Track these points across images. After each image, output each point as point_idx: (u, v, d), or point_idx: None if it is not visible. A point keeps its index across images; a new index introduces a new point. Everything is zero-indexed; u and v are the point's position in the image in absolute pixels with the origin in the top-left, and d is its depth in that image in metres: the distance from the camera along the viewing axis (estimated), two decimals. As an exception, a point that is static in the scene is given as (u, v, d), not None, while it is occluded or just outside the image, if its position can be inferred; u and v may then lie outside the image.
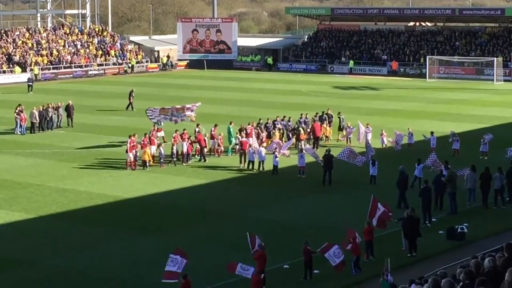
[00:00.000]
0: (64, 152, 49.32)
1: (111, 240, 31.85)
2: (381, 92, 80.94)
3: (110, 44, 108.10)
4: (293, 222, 33.93)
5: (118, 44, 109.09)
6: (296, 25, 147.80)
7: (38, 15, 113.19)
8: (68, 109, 59.16)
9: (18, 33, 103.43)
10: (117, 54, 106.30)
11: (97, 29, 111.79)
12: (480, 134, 49.73)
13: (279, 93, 79.87)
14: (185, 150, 45.52)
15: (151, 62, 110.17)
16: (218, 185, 41.11)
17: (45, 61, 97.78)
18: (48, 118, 57.43)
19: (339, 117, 54.25)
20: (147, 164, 44.44)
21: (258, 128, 49.48)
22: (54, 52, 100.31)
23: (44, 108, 57.47)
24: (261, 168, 43.91)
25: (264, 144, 47.44)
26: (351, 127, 51.56)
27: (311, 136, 50.77)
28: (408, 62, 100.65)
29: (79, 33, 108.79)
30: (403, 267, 27.71)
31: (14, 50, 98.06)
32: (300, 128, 50.15)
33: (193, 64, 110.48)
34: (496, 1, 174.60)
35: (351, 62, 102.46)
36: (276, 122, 51.17)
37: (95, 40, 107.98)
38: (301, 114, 53.18)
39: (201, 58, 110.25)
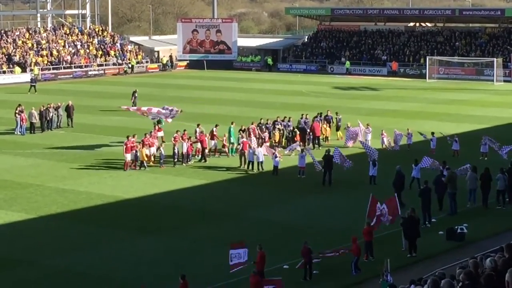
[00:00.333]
0: (64, 153, 49.33)
1: (111, 240, 31.86)
2: (381, 93, 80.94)
3: (110, 45, 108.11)
4: (293, 223, 33.94)
5: (118, 44, 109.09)
6: (296, 26, 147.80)
7: (38, 15, 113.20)
8: (68, 110, 59.17)
9: (18, 33, 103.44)
10: (117, 54, 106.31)
11: (97, 30, 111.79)
12: (480, 134, 49.75)
13: (279, 93, 79.86)
14: (185, 150, 45.52)
15: (151, 62, 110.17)
16: (218, 186, 41.12)
17: (45, 62, 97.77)
18: (48, 118, 57.45)
19: (336, 118, 54.33)
20: (144, 164, 44.43)
21: (258, 128, 49.48)
22: (54, 52, 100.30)
23: (45, 108, 57.47)
24: (260, 169, 43.91)
25: (267, 144, 47.57)
26: (351, 127, 51.42)
27: (311, 136, 50.78)
28: (408, 63, 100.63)
29: (79, 33, 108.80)
30: (403, 267, 27.72)
31: (14, 50, 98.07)
32: (296, 130, 50.14)
33: (193, 65, 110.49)
34: (496, 1, 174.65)
35: (348, 62, 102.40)
36: (276, 123, 51.17)
37: (95, 41, 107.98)
38: (302, 115, 53.19)
39: (201, 59, 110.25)
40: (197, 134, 47.29)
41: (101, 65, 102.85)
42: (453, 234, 31.27)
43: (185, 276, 24.01)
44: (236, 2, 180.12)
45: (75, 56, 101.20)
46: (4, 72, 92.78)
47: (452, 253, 29.43)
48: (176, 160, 45.38)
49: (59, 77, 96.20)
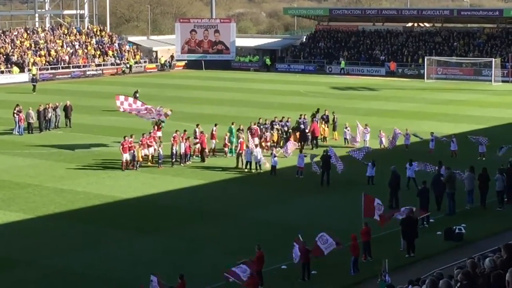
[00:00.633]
0: (62, 153, 49.31)
1: (109, 240, 31.85)
2: (379, 93, 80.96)
3: (108, 45, 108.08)
4: (291, 223, 33.92)
5: (116, 44, 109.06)
6: (294, 26, 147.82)
7: (36, 15, 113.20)
8: (66, 110, 59.16)
9: (16, 33, 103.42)
10: (115, 54, 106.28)
11: (95, 30, 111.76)
12: (478, 135, 49.75)
13: (277, 93, 79.85)
14: (183, 150, 45.50)
15: (149, 62, 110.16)
16: (216, 186, 41.12)
17: (43, 62, 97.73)
18: (47, 118, 57.44)
19: (333, 117, 54.35)
20: (139, 164, 44.42)
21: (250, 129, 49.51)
22: (52, 52, 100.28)
23: (43, 108, 57.45)
24: (258, 169, 43.92)
25: (269, 144, 47.61)
26: (349, 128, 51.45)
27: (310, 136, 50.80)
28: (406, 63, 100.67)
29: (77, 34, 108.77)
30: (401, 267, 27.72)
31: (12, 50, 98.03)
32: (290, 130, 50.11)
33: (191, 65, 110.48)
34: (494, 2, 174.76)
35: (343, 62, 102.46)
36: (274, 123, 51.15)
37: (93, 41, 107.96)
38: (300, 115, 53.19)
39: (199, 59, 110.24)
40: (197, 134, 47.30)
41: (99, 65, 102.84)
42: (451, 234, 31.28)
43: (183, 276, 24.00)
44: (234, 2, 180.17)
45: (73, 56, 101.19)
46: (2, 72, 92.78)
47: (450, 253, 29.43)
48: (174, 160, 45.37)
49: (57, 77, 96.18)
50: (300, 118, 52.37)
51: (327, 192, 39.58)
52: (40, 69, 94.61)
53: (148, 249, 30.63)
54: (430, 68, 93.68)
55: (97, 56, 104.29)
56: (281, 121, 51.90)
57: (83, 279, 27.27)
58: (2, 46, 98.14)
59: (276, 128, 50.53)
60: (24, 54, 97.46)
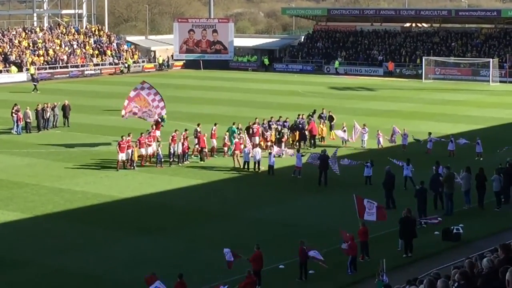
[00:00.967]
0: (60, 152, 49.32)
1: (107, 240, 31.87)
2: (377, 93, 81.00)
3: (106, 44, 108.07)
4: (288, 223, 33.96)
5: (114, 44, 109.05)
6: (293, 26, 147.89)
7: (35, 14, 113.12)
8: (64, 109, 59.18)
9: (14, 32, 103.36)
10: (114, 54, 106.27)
11: (93, 29, 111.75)
12: (476, 135, 49.80)
13: (275, 93, 79.89)
14: (180, 150, 45.53)
15: (148, 62, 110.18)
16: (214, 185, 41.14)
17: (41, 61, 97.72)
18: (45, 118, 57.45)
19: (331, 116, 54.42)
20: (135, 163, 44.48)
21: (251, 129, 49.54)
22: (51, 52, 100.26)
23: (42, 107, 57.45)
24: (256, 169, 43.96)
25: (269, 143, 47.65)
26: (345, 128, 51.49)
27: (308, 136, 50.88)
28: (404, 63, 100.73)
29: (76, 33, 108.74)
30: (398, 267, 27.76)
31: (10, 49, 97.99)
32: (283, 131, 50.05)
33: (189, 64, 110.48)
34: (492, 2, 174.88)
35: (337, 62, 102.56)
36: (270, 123, 51.14)
37: (92, 40, 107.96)
38: (298, 115, 53.24)
39: (198, 58, 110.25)
40: (197, 133, 47.42)
41: (97, 64, 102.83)
42: (449, 235, 31.31)
43: (182, 275, 24.03)
44: (233, 2, 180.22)
45: (71, 56, 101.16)
46: (0, 71, 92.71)
47: (448, 253, 29.46)
48: (172, 160, 45.40)
49: (55, 76, 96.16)
50: (298, 118, 52.43)
51: (324, 192, 39.61)
52: (38, 69, 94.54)
53: (146, 248, 30.65)
54: (428, 68, 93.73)
55: (95, 55, 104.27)
56: (278, 120, 51.92)
57: (81, 279, 27.28)
58: (0, 46, 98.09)
59: (275, 128, 50.51)
60: (22, 54, 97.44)
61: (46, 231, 33.09)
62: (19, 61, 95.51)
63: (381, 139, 49.77)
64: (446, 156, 45.28)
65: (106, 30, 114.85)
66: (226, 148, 47.64)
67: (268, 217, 35.02)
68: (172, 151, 45.38)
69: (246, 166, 44.32)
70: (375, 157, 43.40)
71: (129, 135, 45.29)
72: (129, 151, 44.48)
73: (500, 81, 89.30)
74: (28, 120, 56.61)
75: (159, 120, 51.37)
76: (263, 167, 43.75)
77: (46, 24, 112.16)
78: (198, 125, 48.71)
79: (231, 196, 39.06)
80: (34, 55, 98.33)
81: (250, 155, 44.20)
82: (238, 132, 47.95)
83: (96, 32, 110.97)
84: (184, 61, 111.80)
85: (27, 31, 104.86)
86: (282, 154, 45.80)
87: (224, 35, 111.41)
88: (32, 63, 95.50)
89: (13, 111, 56.54)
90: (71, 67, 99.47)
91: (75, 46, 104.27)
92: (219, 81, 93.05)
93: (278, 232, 32.53)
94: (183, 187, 40.70)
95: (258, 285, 25.44)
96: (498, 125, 59.33)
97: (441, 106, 70.16)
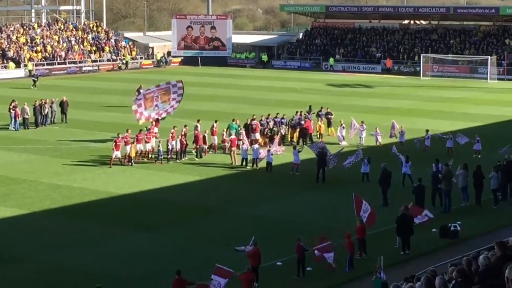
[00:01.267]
0: (58, 148, 49.29)
1: (104, 236, 31.85)
2: (375, 90, 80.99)
3: (104, 40, 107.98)
4: (286, 219, 33.97)
5: (112, 40, 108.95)
6: (291, 23, 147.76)
7: (33, 11, 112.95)
8: (62, 105, 59.12)
9: (12, 28, 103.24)
10: (112, 50, 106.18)
11: (91, 25, 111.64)
12: (474, 132, 49.82)
13: (273, 90, 79.88)
14: (179, 146, 45.53)
15: (146, 58, 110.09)
16: (212, 182, 41.14)
17: (39, 57, 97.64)
18: (43, 114, 57.41)
19: (329, 112, 54.43)
20: (130, 161, 44.47)
21: (250, 125, 49.50)
22: (48, 48, 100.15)
23: (39, 104, 57.41)
24: (254, 166, 43.96)
25: (267, 140, 47.82)
26: (344, 125, 51.51)
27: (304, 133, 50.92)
28: (402, 60, 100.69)
29: (74, 29, 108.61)
30: (396, 265, 27.76)
31: (8, 46, 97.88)
32: (275, 128, 49.95)
33: (188, 61, 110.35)
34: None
35: (331, 59, 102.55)
36: (268, 120, 51.02)
37: (90, 36, 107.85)
38: (296, 112, 53.24)
39: (196, 55, 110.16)
40: (198, 129, 47.55)
41: (95, 61, 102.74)
42: (447, 232, 31.33)
43: (180, 271, 24.01)
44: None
45: (69, 52, 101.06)
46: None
47: (446, 250, 29.47)
48: (170, 156, 45.40)
49: (53, 72, 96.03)
50: (296, 115, 52.44)
51: (322, 189, 39.61)
52: (36, 65, 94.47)
53: (144, 245, 30.63)
54: (426, 65, 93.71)
55: (93, 52, 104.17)
56: (276, 117, 51.92)
57: (79, 275, 27.26)
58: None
59: (267, 126, 50.41)
60: (20, 50, 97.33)
61: (44, 227, 33.07)
62: (17, 57, 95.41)
63: (378, 137, 49.76)
64: (444, 153, 45.25)
65: (104, 27, 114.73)
66: (226, 144, 47.46)
67: (266, 213, 35.02)
68: (170, 147, 45.36)
69: (244, 163, 44.32)
70: (373, 154, 43.38)
71: (127, 131, 45.26)
72: (128, 147, 44.45)
73: (498, 79, 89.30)
74: (26, 116, 56.58)
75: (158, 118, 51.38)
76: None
77: (44, 20, 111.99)
78: (198, 121, 48.73)
79: (229, 193, 39.05)
80: (32, 51, 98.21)
81: (248, 152, 44.22)
82: (239, 129, 48.00)
83: (94, 29, 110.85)
84: (182, 58, 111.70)
85: (25, 27, 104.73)
86: (278, 152, 45.89)
87: (222, 31, 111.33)
88: (30, 59, 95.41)
89: (11, 107, 56.48)
90: (69, 63, 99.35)
91: (73, 42, 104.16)
92: (217, 77, 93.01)
93: (276, 229, 32.52)
94: (181, 184, 40.68)
95: (256, 281, 25.44)
96: (496, 123, 59.34)
97: (439, 103, 70.16)
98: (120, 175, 42.37)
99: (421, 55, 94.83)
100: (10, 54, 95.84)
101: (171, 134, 45.93)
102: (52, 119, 58.30)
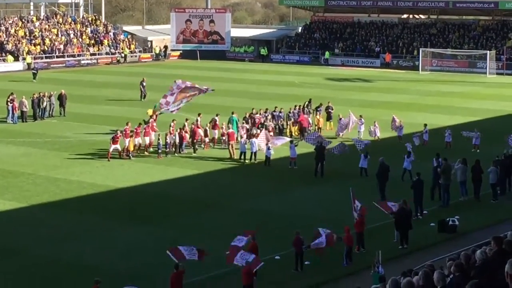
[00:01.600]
0: (56, 141, 49.25)
1: (102, 229, 31.84)
2: (374, 84, 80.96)
3: (103, 34, 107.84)
4: (284, 213, 33.97)
5: (111, 33, 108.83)
6: (290, 16, 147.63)
7: (31, 4, 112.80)
8: (61, 98, 59.06)
9: (11, 21, 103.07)
10: (110, 43, 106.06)
11: (90, 19, 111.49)
12: (473, 127, 49.78)
13: (272, 84, 79.84)
14: (177, 140, 45.53)
15: (144, 52, 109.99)
16: (210, 176, 41.13)
17: (38, 50, 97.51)
18: (42, 107, 57.36)
19: (329, 106, 54.43)
20: (127, 155, 44.45)
21: (253, 119, 49.50)
22: (47, 41, 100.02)
23: (38, 97, 57.35)
24: (253, 159, 43.94)
25: (271, 133, 47.76)
26: (342, 118, 51.52)
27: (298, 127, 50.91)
28: (401, 55, 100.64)
29: (72, 23, 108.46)
30: (394, 259, 27.77)
31: (7, 39, 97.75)
32: (266, 123, 49.86)
33: (186, 55, 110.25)
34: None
35: (327, 53, 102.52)
36: (266, 114, 50.97)
37: (88, 30, 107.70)
38: (295, 106, 53.20)
39: (194, 49, 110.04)
40: (199, 123, 47.55)
41: (94, 54, 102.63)
42: (445, 226, 31.33)
43: (178, 265, 24.00)
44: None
45: (68, 45, 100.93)
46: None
47: (444, 245, 29.48)
48: (168, 150, 45.38)
49: (51, 66, 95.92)
50: (294, 109, 52.41)
51: (321, 183, 39.61)
52: (34, 58, 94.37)
53: (142, 238, 30.63)
54: (425, 60, 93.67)
55: (92, 45, 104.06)
56: (274, 111, 51.88)
57: (76, 269, 27.25)
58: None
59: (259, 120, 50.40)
60: (19, 43, 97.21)
61: (42, 221, 33.06)
62: (16, 50, 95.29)
63: (377, 131, 49.72)
64: (443, 148, 45.22)
65: (103, 20, 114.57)
66: (224, 138, 47.40)
67: (264, 207, 35.01)
68: (168, 141, 45.34)
69: (242, 157, 44.31)
70: (371, 148, 43.36)
71: (127, 124, 45.25)
72: (127, 140, 44.44)
73: (497, 73, 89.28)
74: (24, 109, 56.50)
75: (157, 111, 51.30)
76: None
77: (42, 13, 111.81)
78: (199, 115, 48.76)
79: (227, 187, 39.04)
80: (30, 44, 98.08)
81: (246, 146, 44.19)
82: (242, 122, 48.10)
83: (93, 22, 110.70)
84: (181, 51, 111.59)
85: (23, 20, 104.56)
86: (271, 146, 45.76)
87: (221, 25, 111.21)
88: (29, 52, 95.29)
89: (8, 100, 56.40)
90: (67, 56, 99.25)
91: (71, 36, 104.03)
92: (216, 71, 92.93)
93: (274, 223, 32.51)
94: (179, 177, 40.67)
95: (254, 275, 25.41)
96: (494, 117, 59.32)
97: (437, 98, 70.15)
98: (119, 168, 42.35)
99: (420, 50, 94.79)
100: (9, 47, 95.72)
101: (170, 128, 45.90)
102: (51, 112, 58.24)
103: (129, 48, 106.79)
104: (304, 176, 40.63)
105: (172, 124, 46.32)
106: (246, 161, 44.02)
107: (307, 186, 39.00)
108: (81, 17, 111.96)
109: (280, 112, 51.95)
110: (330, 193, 37.59)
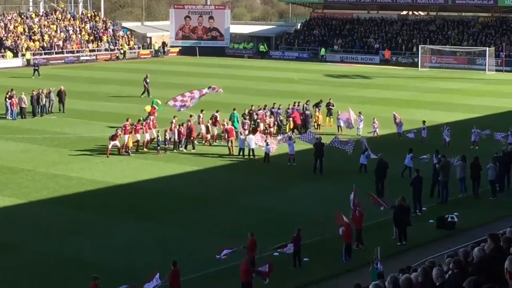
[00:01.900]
0: (55, 138, 49.25)
1: (101, 226, 31.84)
2: (373, 81, 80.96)
3: (102, 30, 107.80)
4: (283, 210, 33.97)
5: (110, 30, 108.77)
6: (289, 13, 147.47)
7: (31, 0, 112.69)
8: (60, 95, 59.05)
9: (10, 18, 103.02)
10: (109, 40, 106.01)
11: (89, 15, 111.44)
12: (471, 123, 49.81)
13: (271, 80, 79.83)
14: (177, 136, 45.55)
15: (143, 48, 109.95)
16: (209, 172, 41.13)
17: (37, 47, 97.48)
18: (41, 104, 57.35)
19: (330, 103, 54.42)
20: (127, 150, 44.46)
21: (247, 115, 49.48)
22: (46, 37, 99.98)
23: (37, 93, 57.35)
24: (251, 156, 43.95)
25: (272, 130, 47.81)
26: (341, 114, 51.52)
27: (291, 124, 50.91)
28: (401, 51, 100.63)
29: (71, 19, 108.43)
30: (393, 255, 27.79)
31: (6, 35, 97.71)
32: (258, 121, 49.75)
33: (185, 51, 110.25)
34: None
35: (323, 50, 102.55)
36: (265, 110, 50.92)
37: (87, 26, 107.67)
38: (294, 102, 53.18)
39: (194, 45, 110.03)
40: (201, 120, 47.51)
41: (93, 50, 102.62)
42: (444, 223, 31.35)
43: (176, 262, 24.00)
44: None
45: (67, 42, 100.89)
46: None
47: (443, 241, 29.50)
48: (167, 146, 45.40)
49: (50, 62, 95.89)
50: (294, 106, 52.40)
51: (320, 179, 39.60)
52: (33, 54, 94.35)
53: (140, 234, 30.63)
54: (424, 56, 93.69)
55: (91, 41, 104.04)
56: (273, 108, 51.87)
57: (75, 265, 27.25)
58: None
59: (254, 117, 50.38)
60: (18, 39, 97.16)
61: (41, 217, 33.06)
62: (15, 46, 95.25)
63: (376, 128, 49.68)
64: (441, 145, 45.21)
65: (102, 16, 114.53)
66: (224, 134, 47.37)
67: (263, 204, 35.02)
68: (168, 137, 45.36)
69: (240, 153, 44.33)
70: (370, 145, 43.33)
71: (127, 120, 45.27)
72: (126, 136, 44.46)
73: (496, 70, 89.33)
74: (23, 106, 56.48)
75: (156, 106, 51.31)
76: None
77: (41, 10, 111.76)
78: (202, 111, 48.84)
79: (226, 183, 39.03)
80: (29, 40, 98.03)
81: (252, 143, 44.11)
82: (244, 118, 48.12)
83: (92, 18, 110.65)
84: (180, 48, 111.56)
85: (22, 16, 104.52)
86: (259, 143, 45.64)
87: (220, 21, 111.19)
88: (28, 48, 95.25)
89: (7, 96, 56.39)
90: (66, 52, 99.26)
91: (70, 32, 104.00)
92: (215, 68, 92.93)
93: (273, 220, 32.52)
94: (178, 174, 40.69)
95: (253, 272, 25.42)
96: (493, 114, 59.31)
97: (437, 95, 70.15)
98: (118, 164, 42.36)
99: (419, 46, 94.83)
100: (8, 43, 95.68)
101: (172, 125, 45.92)
102: (50, 109, 58.24)
103: (128, 45, 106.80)
104: (303, 173, 40.63)
105: (173, 120, 46.36)
106: (245, 157, 44.01)
107: (306, 182, 39.01)
108: (80, 13, 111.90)
109: (278, 108, 51.94)
110: (329, 190, 37.59)
